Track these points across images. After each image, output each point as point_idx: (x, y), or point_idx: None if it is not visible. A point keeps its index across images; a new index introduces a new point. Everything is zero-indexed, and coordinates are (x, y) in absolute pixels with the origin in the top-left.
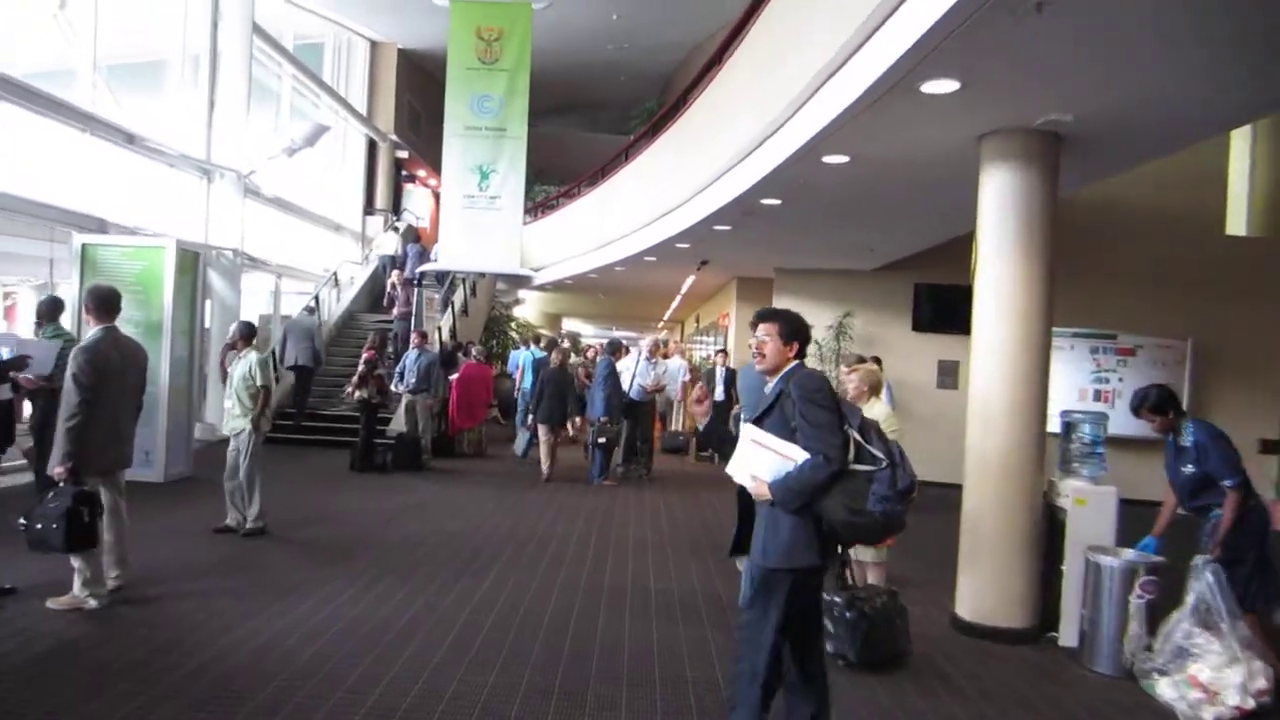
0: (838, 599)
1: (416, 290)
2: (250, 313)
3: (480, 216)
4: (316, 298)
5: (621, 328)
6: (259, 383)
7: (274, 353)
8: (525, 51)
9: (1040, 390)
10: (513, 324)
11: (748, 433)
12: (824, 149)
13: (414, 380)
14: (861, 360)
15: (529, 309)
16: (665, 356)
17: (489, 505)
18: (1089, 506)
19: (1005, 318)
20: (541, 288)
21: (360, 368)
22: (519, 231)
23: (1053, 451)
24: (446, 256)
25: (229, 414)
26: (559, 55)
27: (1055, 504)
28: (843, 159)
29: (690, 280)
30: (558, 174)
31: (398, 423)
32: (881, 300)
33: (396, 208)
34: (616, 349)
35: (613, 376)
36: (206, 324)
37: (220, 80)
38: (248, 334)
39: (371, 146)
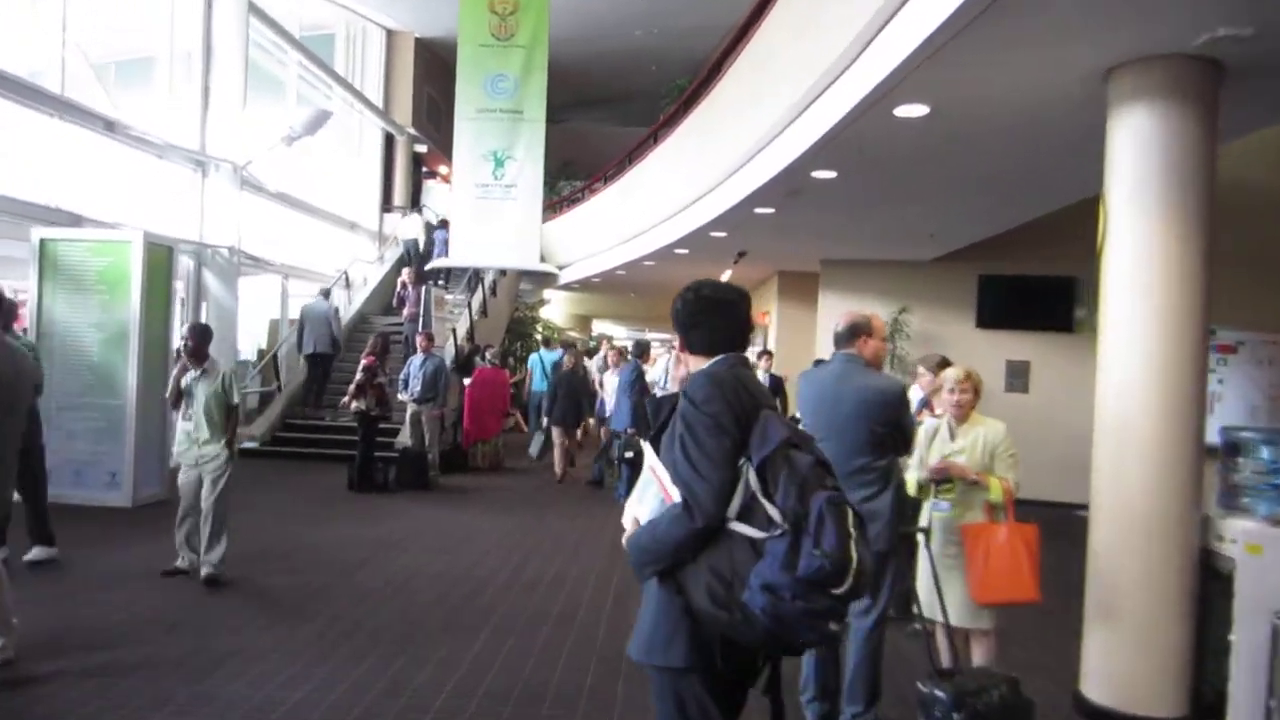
0: (939, 694)
1: (425, 288)
2: (258, 317)
3: (495, 207)
4: (328, 290)
5: (655, 329)
6: (234, 400)
7: (276, 355)
8: (543, 25)
9: (1197, 402)
10: (538, 326)
11: (648, 456)
12: (898, 96)
13: (419, 388)
14: (946, 363)
15: (556, 310)
16: None
17: (496, 533)
18: (1266, 555)
19: (1149, 307)
20: (567, 287)
21: (358, 376)
22: (538, 223)
23: (1209, 481)
24: (458, 251)
25: (190, 437)
26: (582, 43)
27: (1216, 551)
28: (920, 110)
29: (726, 275)
30: (584, 170)
31: (404, 436)
32: (941, 294)
33: (415, 204)
34: (644, 351)
35: (640, 382)
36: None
37: (215, 65)
38: (203, 341)
39: (388, 141)
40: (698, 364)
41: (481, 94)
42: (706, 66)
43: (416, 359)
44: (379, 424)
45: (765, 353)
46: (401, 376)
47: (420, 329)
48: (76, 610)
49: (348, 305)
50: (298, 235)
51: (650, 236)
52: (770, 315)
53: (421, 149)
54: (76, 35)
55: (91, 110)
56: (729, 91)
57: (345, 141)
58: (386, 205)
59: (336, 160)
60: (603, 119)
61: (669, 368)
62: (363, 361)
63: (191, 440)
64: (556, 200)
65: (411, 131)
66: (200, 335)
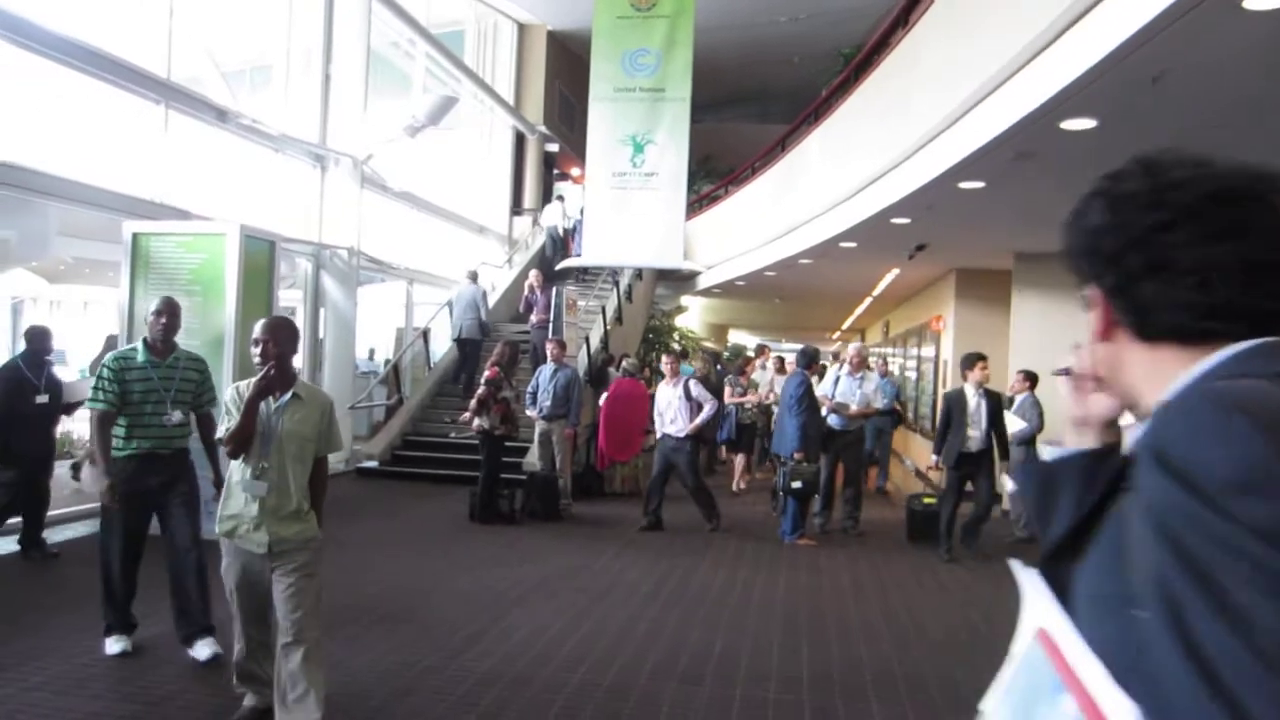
0: None
1: (555, 290)
2: (384, 326)
3: (634, 198)
4: (475, 273)
5: (792, 339)
6: (336, 444)
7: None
8: None
9: None
10: (675, 335)
11: (1052, 623)
12: None
13: (549, 403)
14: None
15: (690, 319)
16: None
17: (643, 586)
18: None
19: None
20: (707, 291)
21: (480, 390)
22: (681, 216)
23: None
24: (592, 248)
25: (260, 507)
26: (720, 32)
27: None
28: None
29: (891, 276)
30: (724, 169)
31: (532, 457)
32: None
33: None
34: (812, 361)
35: (808, 398)
36: (320, 335)
37: (336, 54)
38: (288, 344)
39: (519, 140)
40: (1152, 369)
41: (619, 71)
42: (887, 21)
43: (546, 369)
44: (504, 444)
45: (1027, 375)
46: (529, 390)
47: (550, 335)
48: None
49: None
50: (423, 238)
51: (810, 229)
52: (945, 321)
53: (553, 148)
54: (207, 39)
55: (202, 98)
56: (927, 38)
57: (474, 140)
58: (516, 208)
59: (465, 160)
60: (740, 117)
61: (842, 381)
62: (485, 373)
63: (263, 512)
64: (696, 199)
65: (543, 130)
66: (283, 335)
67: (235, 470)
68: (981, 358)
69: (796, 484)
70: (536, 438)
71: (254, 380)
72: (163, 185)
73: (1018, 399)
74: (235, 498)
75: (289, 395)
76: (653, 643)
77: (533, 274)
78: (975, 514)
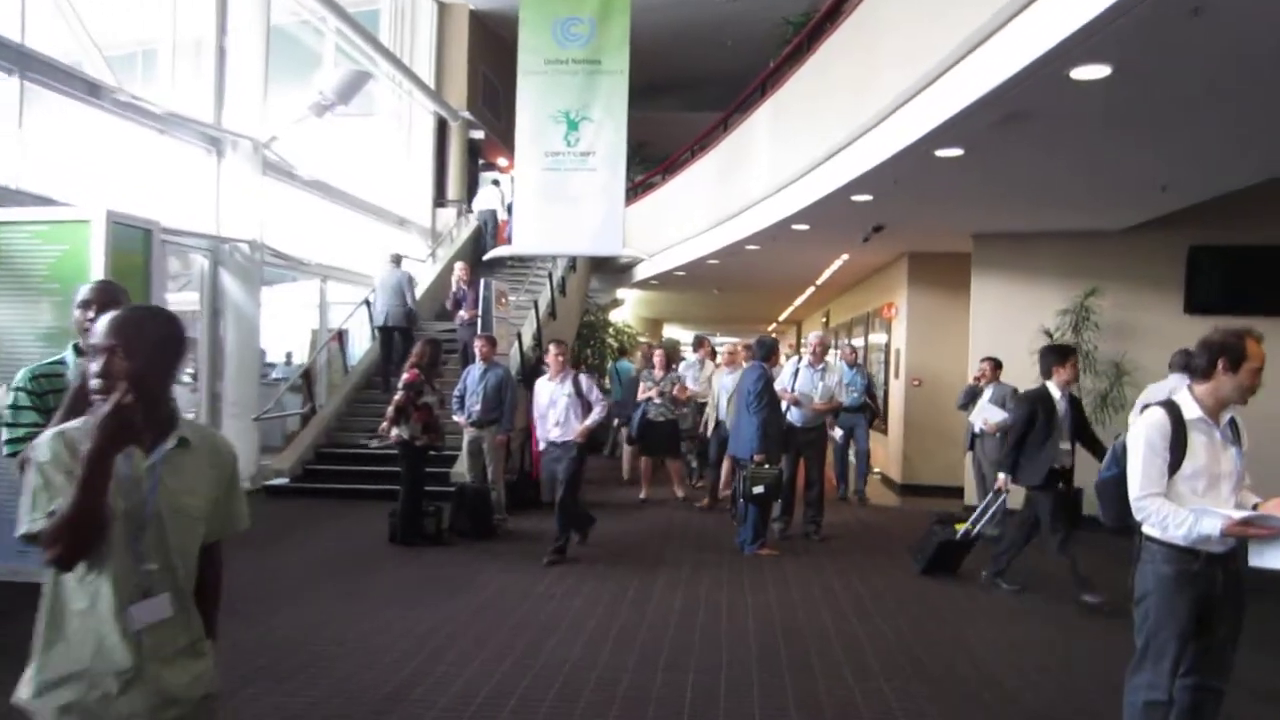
0: None
1: (484, 282)
2: (295, 326)
3: (569, 181)
4: (399, 257)
5: (727, 333)
6: (238, 525)
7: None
8: None
9: None
10: (610, 330)
11: None
12: None
13: (479, 407)
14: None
15: (623, 314)
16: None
17: (590, 615)
18: None
19: None
20: (644, 283)
21: (397, 395)
22: (621, 198)
23: None
24: (522, 236)
25: (103, 644)
26: (648, 13)
27: None
28: None
29: (839, 262)
30: (657, 158)
31: (461, 468)
32: (1138, 272)
33: (472, 200)
34: (771, 352)
35: (768, 394)
36: (222, 335)
37: (233, 26)
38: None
39: (441, 127)
40: None
41: (549, 42)
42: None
43: (475, 370)
44: (427, 455)
45: (991, 361)
46: (456, 393)
47: (479, 332)
48: None
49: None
50: (338, 232)
51: (759, 212)
52: (897, 308)
53: (478, 135)
54: (84, 16)
55: (67, 68)
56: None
57: (392, 127)
58: (440, 199)
59: (382, 148)
60: (672, 105)
61: (801, 373)
62: (404, 376)
63: (140, 656)
64: (631, 186)
65: (466, 116)
66: (140, 336)
67: (76, 592)
68: (1071, 351)
69: (757, 489)
70: (465, 446)
71: (91, 420)
72: (17, 168)
73: (989, 389)
74: (80, 641)
75: (170, 443)
76: (610, 695)
77: (459, 266)
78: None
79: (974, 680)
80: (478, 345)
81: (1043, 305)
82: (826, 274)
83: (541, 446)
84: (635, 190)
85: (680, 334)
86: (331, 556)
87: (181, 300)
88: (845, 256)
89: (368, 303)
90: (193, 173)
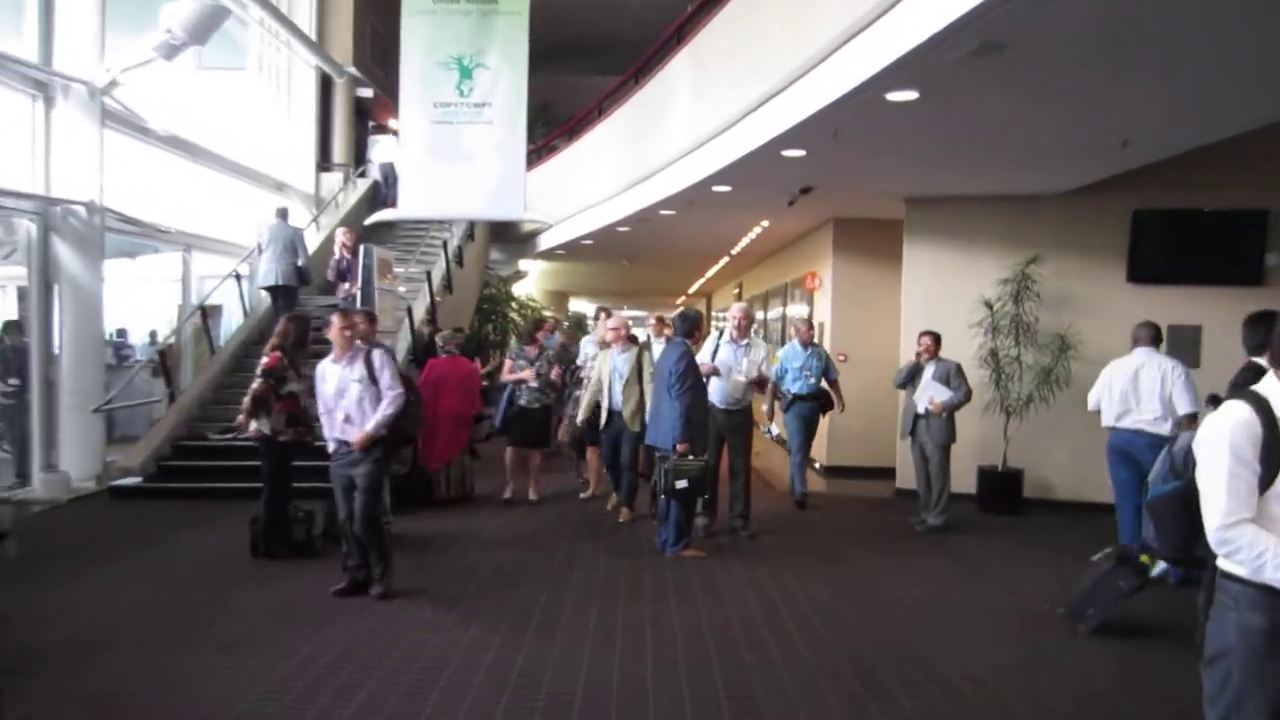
0: None
1: (365, 250)
2: (159, 303)
3: (462, 135)
4: (285, 210)
5: (635, 305)
6: None
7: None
8: None
9: None
10: (513, 304)
11: None
12: None
13: None
14: None
15: (527, 286)
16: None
17: (487, 654)
18: None
19: None
20: (549, 254)
21: (255, 384)
22: (521, 155)
23: None
24: (410, 198)
25: None
26: None
27: None
28: None
29: (759, 229)
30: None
31: None
32: (1078, 238)
33: (360, 163)
34: (695, 327)
35: (692, 375)
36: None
37: None
38: None
39: (325, 85)
40: None
41: None
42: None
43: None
44: (294, 451)
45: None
46: None
47: (359, 306)
48: None
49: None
50: (208, 197)
51: (676, 172)
52: (822, 278)
53: (366, 94)
54: None
55: None
56: None
57: (269, 83)
58: (324, 163)
59: (258, 106)
60: (576, 70)
61: (723, 348)
62: (262, 360)
63: None
64: (535, 147)
65: (353, 72)
66: None
67: None
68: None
69: (681, 483)
70: None
71: None
72: None
73: (931, 365)
74: None
75: None
76: None
77: (341, 232)
78: None
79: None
80: (355, 321)
81: (981, 274)
82: (744, 242)
83: (331, 447)
84: (539, 153)
85: (587, 306)
86: (180, 575)
87: (7, 274)
88: (766, 223)
89: (237, 276)
90: (15, 122)
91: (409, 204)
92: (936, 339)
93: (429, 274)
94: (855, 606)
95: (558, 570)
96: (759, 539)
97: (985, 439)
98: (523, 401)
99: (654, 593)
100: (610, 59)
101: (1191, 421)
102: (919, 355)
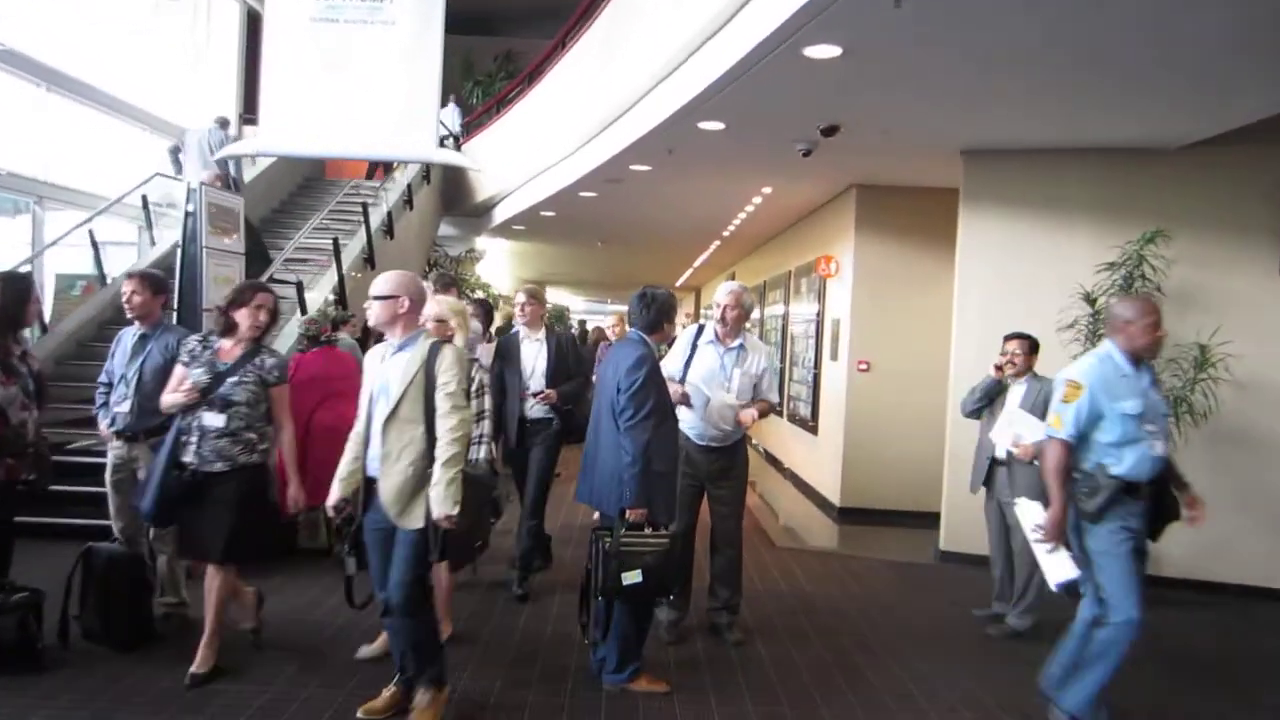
0: None
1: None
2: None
3: (351, 40)
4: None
5: (620, 300)
6: None
7: None
8: None
9: None
10: (470, 289)
11: None
12: None
13: (126, 405)
14: None
15: (499, 274)
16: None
17: None
18: None
19: None
20: (507, 228)
21: None
22: (436, 73)
23: None
24: (276, 126)
25: None
26: None
27: None
28: None
29: (760, 198)
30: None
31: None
32: (1209, 212)
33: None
34: (663, 315)
35: (654, 393)
36: None
37: None
38: None
39: (252, 22)
40: None
41: None
42: None
43: (127, 333)
44: (17, 495)
45: None
46: (102, 380)
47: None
48: None
49: (150, 248)
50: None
51: (647, 109)
52: (839, 262)
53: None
54: None
55: None
56: None
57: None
58: (249, 114)
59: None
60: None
61: (706, 353)
62: None
63: None
64: (491, 102)
65: None
66: None
67: None
68: None
69: (631, 576)
70: (109, 473)
71: None
72: None
73: (1019, 384)
74: None
75: None
76: None
77: (204, 172)
78: None
79: None
80: (128, 291)
81: (1073, 256)
82: (740, 218)
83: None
84: (499, 107)
85: (570, 299)
86: None
87: None
88: (768, 189)
89: (94, 244)
90: None
91: (273, 137)
92: (1032, 346)
93: (335, 242)
94: None
95: None
96: (752, 646)
97: None
98: None
99: None
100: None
101: None
102: (1000, 369)
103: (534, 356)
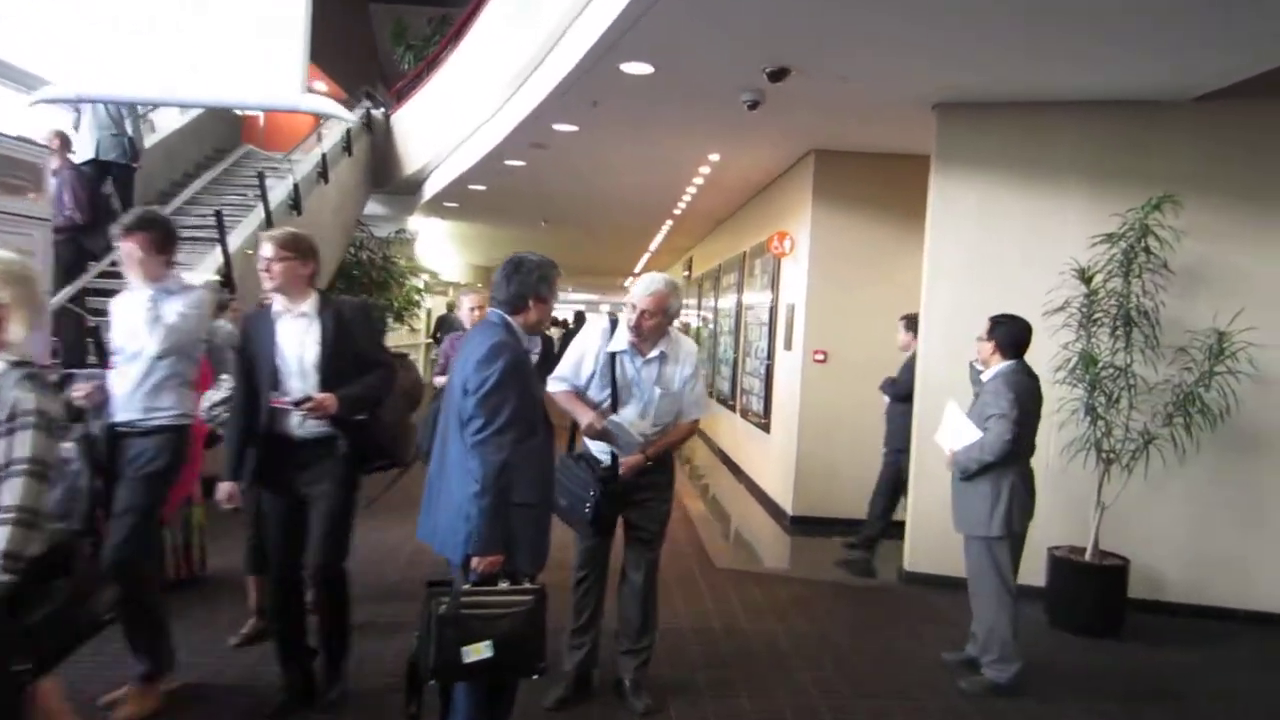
0: None
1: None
2: None
3: None
4: None
5: (580, 287)
6: None
7: None
8: None
9: None
10: (404, 277)
11: None
12: None
13: None
14: None
15: (448, 263)
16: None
17: None
18: None
19: None
20: (438, 205)
21: None
22: (302, 12)
23: None
24: (89, 61)
25: None
26: None
27: None
28: None
29: (707, 167)
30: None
31: None
32: (1223, 174)
33: None
34: (527, 288)
35: (514, 392)
36: None
37: None
38: None
39: None
40: None
41: None
42: None
43: None
44: None
45: None
46: None
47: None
48: None
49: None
50: None
51: (569, 48)
52: (794, 239)
53: None
54: None
55: None
56: None
57: None
58: None
59: None
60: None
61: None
62: None
63: None
64: (421, 66)
65: None
66: None
67: None
68: None
69: (476, 650)
70: None
71: None
72: None
73: (990, 372)
74: None
75: None
76: None
77: (49, 131)
78: None
79: None
80: None
81: (1063, 228)
82: (690, 192)
83: None
84: (429, 70)
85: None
86: None
87: None
88: (715, 157)
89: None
90: None
91: (90, 78)
92: (1007, 330)
93: (219, 215)
94: None
95: None
96: (663, 713)
97: (1066, 505)
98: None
99: None
100: None
101: None
102: (981, 355)
103: (297, 342)
